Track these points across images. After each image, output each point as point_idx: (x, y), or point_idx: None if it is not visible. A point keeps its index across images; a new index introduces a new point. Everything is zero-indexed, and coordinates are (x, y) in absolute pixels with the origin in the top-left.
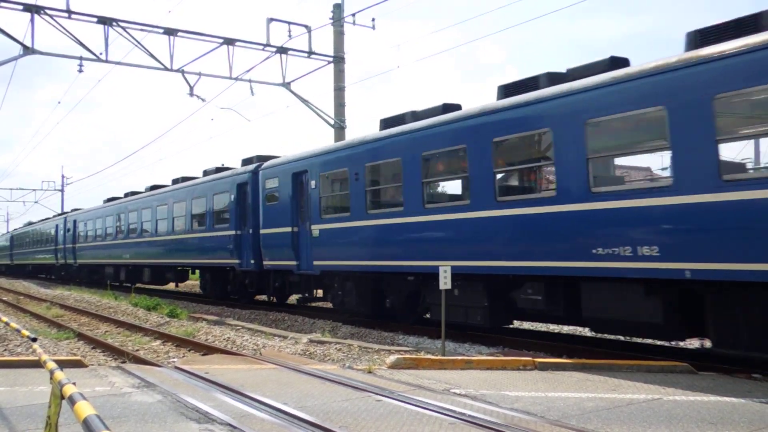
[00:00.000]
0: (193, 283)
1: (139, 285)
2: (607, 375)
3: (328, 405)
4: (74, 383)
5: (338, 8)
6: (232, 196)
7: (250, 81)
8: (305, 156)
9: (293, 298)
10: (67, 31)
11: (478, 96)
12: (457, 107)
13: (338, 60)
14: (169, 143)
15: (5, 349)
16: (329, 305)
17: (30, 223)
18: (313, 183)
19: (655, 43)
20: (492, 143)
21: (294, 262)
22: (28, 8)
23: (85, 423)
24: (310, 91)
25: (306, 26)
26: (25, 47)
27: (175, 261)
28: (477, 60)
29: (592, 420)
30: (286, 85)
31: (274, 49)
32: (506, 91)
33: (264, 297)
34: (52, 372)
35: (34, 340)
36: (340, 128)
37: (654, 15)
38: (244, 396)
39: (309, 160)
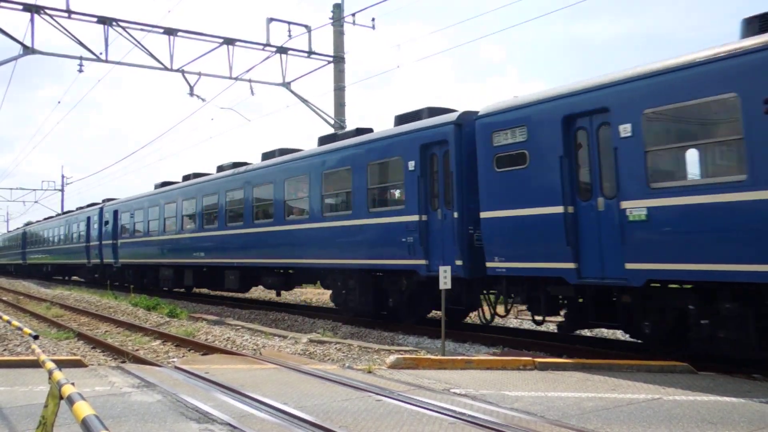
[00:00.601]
0: (314, 293)
1: (202, 291)
2: (607, 375)
3: (328, 405)
4: (73, 383)
5: (338, 8)
6: (412, 164)
7: (250, 81)
8: (601, 85)
9: (548, 323)
10: (67, 31)
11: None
12: None
13: (338, 60)
14: (170, 143)
15: (5, 349)
16: (616, 334)
17: (48, 218)
18: (625, 128)
19: (655, 43)
20: None
21: (569, 265)
22: (28, 8)
23: (84, 423)
24: (310, 91)
25: (306, 26)
26: (25, 47)
27: (291, 261)
28: (477, 60)
29: (591, 420)
30: (286, 85)
31: (274, 49)
32: None
33: (434, 314)
34: (50, 372)
35: (36, 337)
36: (340, 128)
37: (653, 15)
38: (244, 396)
39: (613, 89)
